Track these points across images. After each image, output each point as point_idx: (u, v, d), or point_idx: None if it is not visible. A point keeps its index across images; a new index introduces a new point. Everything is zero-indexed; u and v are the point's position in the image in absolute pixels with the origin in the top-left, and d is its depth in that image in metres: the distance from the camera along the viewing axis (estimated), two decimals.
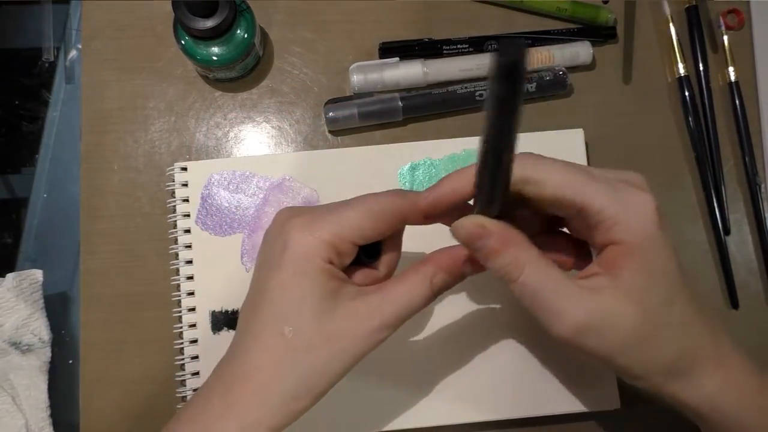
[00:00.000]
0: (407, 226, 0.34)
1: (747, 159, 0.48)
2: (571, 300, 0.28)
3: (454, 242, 0.31)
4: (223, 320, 0.43)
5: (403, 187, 0.45)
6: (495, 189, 0.27)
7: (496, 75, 0.21)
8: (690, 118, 0.48)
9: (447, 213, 0.32)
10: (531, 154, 0.30)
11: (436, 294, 0.31)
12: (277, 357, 0.30)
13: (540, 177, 0.29)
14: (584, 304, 0.28)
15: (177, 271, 0.44)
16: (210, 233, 0.44)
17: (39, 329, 0.44)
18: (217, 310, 0.43)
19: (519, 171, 0.29)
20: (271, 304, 0.31)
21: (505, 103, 0.22)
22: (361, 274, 0.33)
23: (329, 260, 0.31)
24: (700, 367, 0.30)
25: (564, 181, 0.29)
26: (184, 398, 0.43)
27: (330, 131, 0.47)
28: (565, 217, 0.31)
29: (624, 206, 0.29)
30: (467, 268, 0.32)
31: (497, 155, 0.25)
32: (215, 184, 0.45)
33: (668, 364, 0.30)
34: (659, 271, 0.29)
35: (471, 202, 0.31)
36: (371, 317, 0.30)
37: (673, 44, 0.49)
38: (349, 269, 0.33)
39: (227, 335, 0.43)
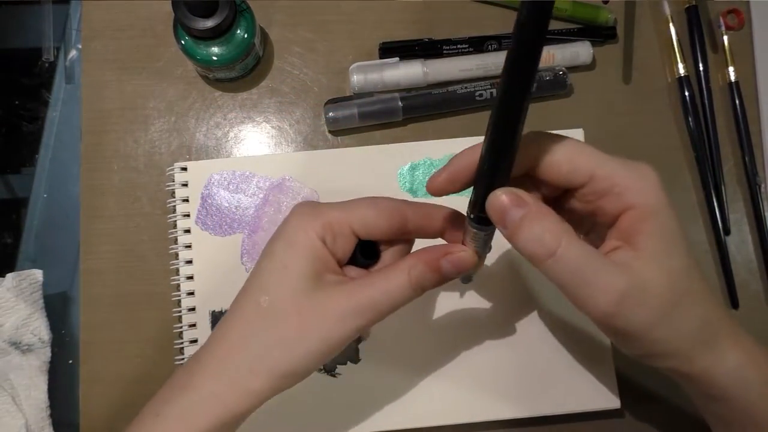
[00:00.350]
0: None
1: (747, 159, 0.48)
2: (610, 273, 0.27)
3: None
4: None
5: (402, 187, 0.45)
6: (509, 153, 0.26)
7: (524, 17, 0.22)
8: (690, 118, 0.48)
9: (461, 188, 0.31)
10: (534, 131, 0.30)
11: (415, 287, 0.30)
12: (245, 325, 0.30)
13: (550, 147, 0.29)
14: (622, 276, 0.27)
15: (177, 271, 0.44)
16: (210, 233, 0.44)
17: (39, 329, 0.44)
18: (217, 310, 0.43)
19: (528, 143, 0.29)
20: (256, 272, 0.31)
21: (528, 50, 0.23)
22: (354, 272, 0.33)
23: (322, 238, 0.30)
24: (723, 338, 0.30)
25: (574, 150, 0.29)
26: None
27: (330, 131, 0.47)
28: (574, 187, 0.30)
29: (633, 172, 0.29)
30: (446, 264, 0.31)
31: (514, 112, 0.25)
32: (215, 184, 0.45)
33: (696, 334, 0.29)
34: (675, 235, 0.29)
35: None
36: (348, 301, 0.30)
37: (673, 44, 0.49)
38: (345, 268, 0.33)
39: None
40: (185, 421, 0.30)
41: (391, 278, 0.30)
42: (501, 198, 0.28)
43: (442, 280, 0.31)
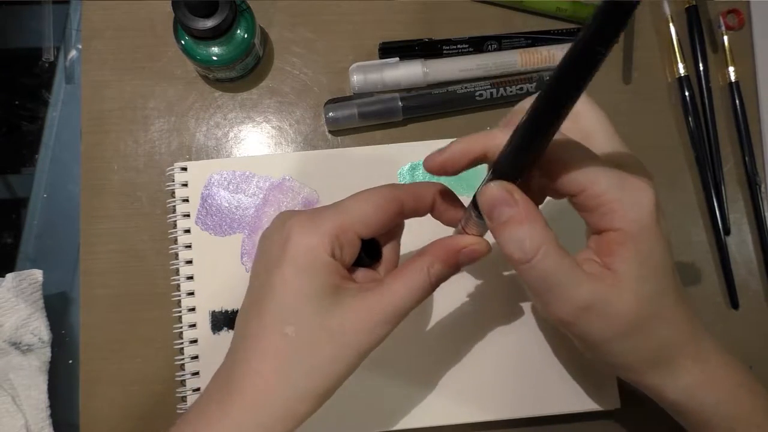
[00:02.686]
0: (405, 229, 0.34)
1: (747, 159, 0.48)
2: (576, 285, 0.28)
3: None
4: (223, 320, 0.43)
5: None
6: (534, 148, 0.26)
7: (606, 12, 0.21)
8: (690, 118, 0.48)
9: (459, 171, 0.31)
10: None
11: (434, 285, 0.31)
12: (279, 358, 0.30)
13: (554, 149, 0.29)
14: (588, 287, 0.28)
15: (177, 271, 0.44)
16: (210, 233, 0.44)
17: (39, 329, 0.44)
18: (217, 310, 0.43)
19: None
20: (272, 303, 0.30)
21: (597, 47, 0.22)
22: (362, 274, 0.33)
23: (332, 253, 0.30)
24: (680, 360, 0.31)
25: (574, 158, 0.29)
26: (184, 398, 0.43)
27: (330, 131, 0.47)
28: (566, 195, 0.30)
29: (625, 194, 0.29)
30: (463, 258, 0.31)
31: (558, 108, 0.24)
32: (215, 184, 0.45)
33: (650, 355, 0.31)
34: (653, 264, 0.29)
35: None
36: (373, 311, 0.30)
37: (673, 44, 0.49)
38: (351, 270, 0.33)
39: (227, 335, 0.43)
40: None
41: (412, 282, 0.30)
42: (494, 192, 0.28)
43: (457, 272, 0.32)
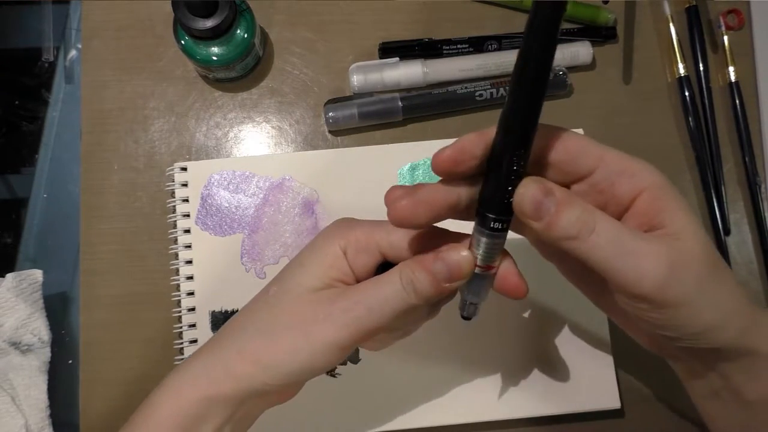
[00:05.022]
0: None
1: (747, 159, 0.48)
2: (653, 242, 0.27)
3: None
4: (223, 320, 0.43)
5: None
6: (529, 129, 0.25)
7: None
8: (690, 118, 0.48)
9: (467, 171, 0.28)
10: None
11: (408, 289, 0.29)
12: (249, 310, 0.31)
13: (556, 135, 0.28)
14: (664, 245, 0.27)
15: (177, 271, 0.44)
16: (210, 233, 0.44)
17: (39, 329, 0.44)
18: (217, 310, 0.43)
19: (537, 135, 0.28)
20: (282, 269, 0.32)
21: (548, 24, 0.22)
22: None
23: (344, 249, 0.31)
24: (757, 307, 0.29)
25: (579, 137, 0.29)
26: None
27: (330, 131, 0.47)
28: (583, 174, 0.29)
29: (636, 159, 0.28)
30: (438, 264, 0.29)
31: (537, 84, 0.24)
32: (215, 184, 0.45)
33: (739, 298, 0.28)
34: (692, 212, 0.28)
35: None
36: (339, 296, 0.30)
37: (673, 44, 0.49)
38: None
39: None
40: (177, 390, 0.31)
41: (383, 278, 0.30)
42: (532, 190, 0.26)
43: (434, 281, 0.29)
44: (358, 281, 0.31)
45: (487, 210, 0.27)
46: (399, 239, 0.30)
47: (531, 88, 0.25)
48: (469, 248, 0.29)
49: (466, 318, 0.32)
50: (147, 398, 0.32)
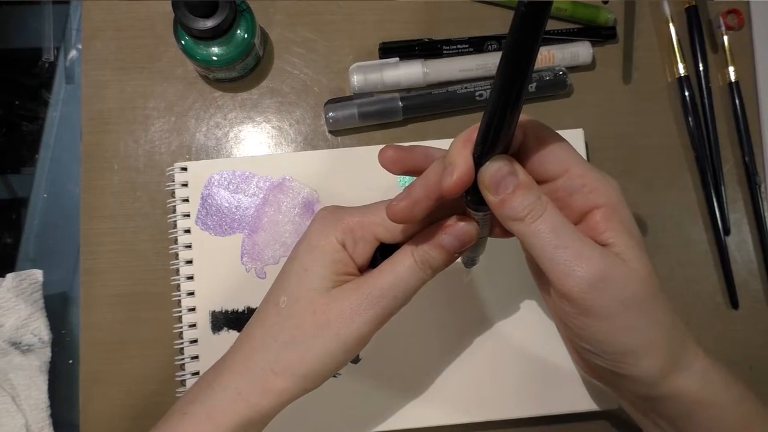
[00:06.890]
0: None
1: (747, 159, 0.48)
2: (585, 253, 0.27)
3: None
4: (223, 320, 0.43)
5: (401, 188, 0.45)
6: (511, 119, 0.26)
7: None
8: (690, 118, 0.48)
9: (423, 214, 0.30)
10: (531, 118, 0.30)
11: (423, 267, 0.30)
12: (266, 325, 0.31)
13: (539, 134, 0.30)
14: (593, 258, 0.27)
15: (177, 271, 0.44)
16: (210, 233, 0.44)
17: (39, 329, 0.44)
18: (217, 310, 0.43)
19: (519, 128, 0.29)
20: (280, 275, 0.32)
21: (532, 22, 0.22)
22: None
23: (342, 242, 0.31)
24: (689, 341, 0.30)
25: (556, 143, 0.30)
26: None
27: (330, 131, 0.47)
28: (548, 178, 0.30)
29: (601, 177, 0.30)
30: (447, 237, 0.30)
31: (519, 73, 0.24)
32: (215, 184, 0.45)
33: (670, 329, 0.29)
34: (637, 237, 0.29)
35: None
36: (356, 293, 0.30)
37: (673, 44, 0.49)
38: (366, 270, 0.33)
39: (227, 335, 0.43)
40: (212, 419, 0.31)
41: (397, 263, 0.31)
42: (496, 166, 0.27)
43: (447, 255, 0.30)
44: (360, 268, 0.32)
45: (467, 194, 0.29)
46: (393, 223, 0.31)
47: (505, 79, 0.25)
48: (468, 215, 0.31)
49: (470, 266, 0.37)
50: (176, 429, 0.31)
